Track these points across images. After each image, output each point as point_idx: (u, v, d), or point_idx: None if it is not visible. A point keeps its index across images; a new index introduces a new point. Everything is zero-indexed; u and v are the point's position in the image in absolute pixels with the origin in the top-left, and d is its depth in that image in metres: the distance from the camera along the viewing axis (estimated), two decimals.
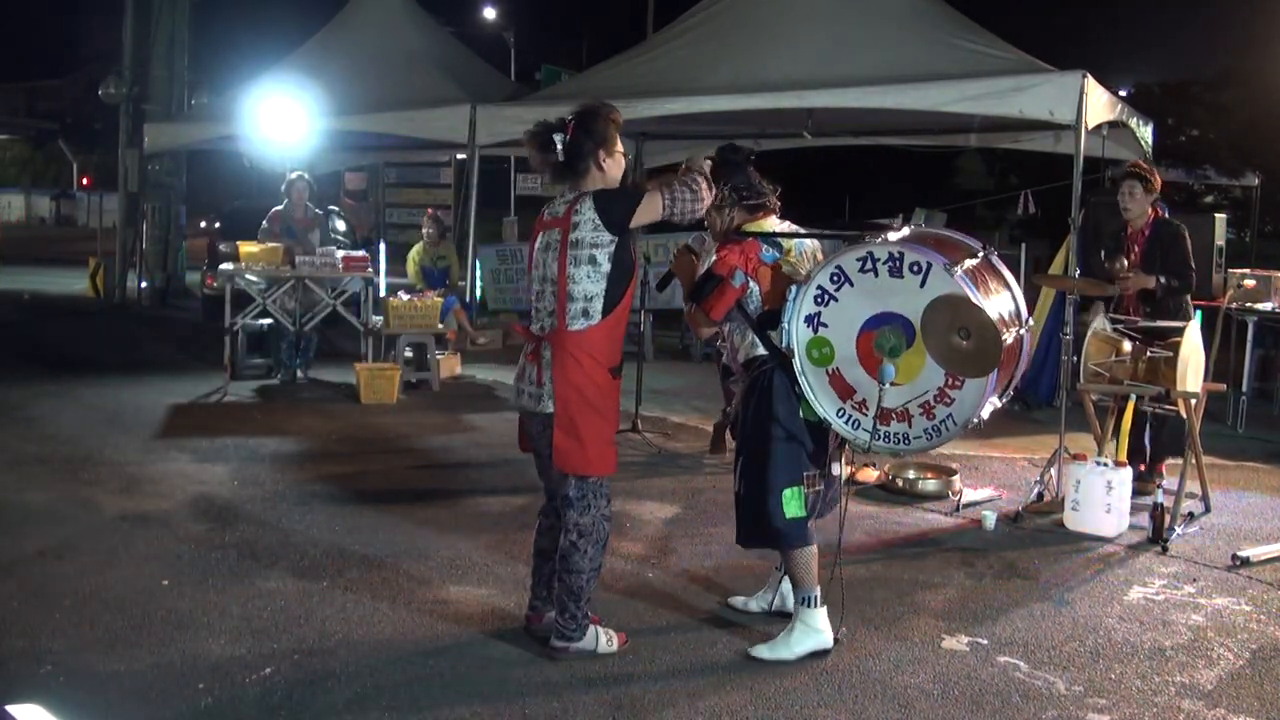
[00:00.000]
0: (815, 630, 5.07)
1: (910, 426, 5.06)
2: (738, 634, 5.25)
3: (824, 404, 5.08)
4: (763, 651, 5.05)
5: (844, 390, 5.06)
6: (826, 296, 5.03)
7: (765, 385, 5.07)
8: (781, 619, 5.28)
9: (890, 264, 4.93)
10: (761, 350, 5.11)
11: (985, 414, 4.98)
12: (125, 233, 20.02)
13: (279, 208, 11.86)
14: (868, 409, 5.01)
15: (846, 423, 5.09)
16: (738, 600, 5.65)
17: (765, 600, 5.58)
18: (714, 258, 5.14)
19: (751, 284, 5.08)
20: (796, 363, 5.04)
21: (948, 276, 4.86)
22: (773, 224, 5.27)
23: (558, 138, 4.81)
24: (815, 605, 5.07)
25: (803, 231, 5.34)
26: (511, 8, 38.48)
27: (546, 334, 4.79)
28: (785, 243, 5.21)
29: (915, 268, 4.91)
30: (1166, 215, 7.93)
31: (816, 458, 5.17)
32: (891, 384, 4.90)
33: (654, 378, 11.05)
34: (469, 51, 16.48)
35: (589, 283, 4.72)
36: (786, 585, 5.35)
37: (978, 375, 4.90)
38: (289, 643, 5.00)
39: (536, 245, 4.92)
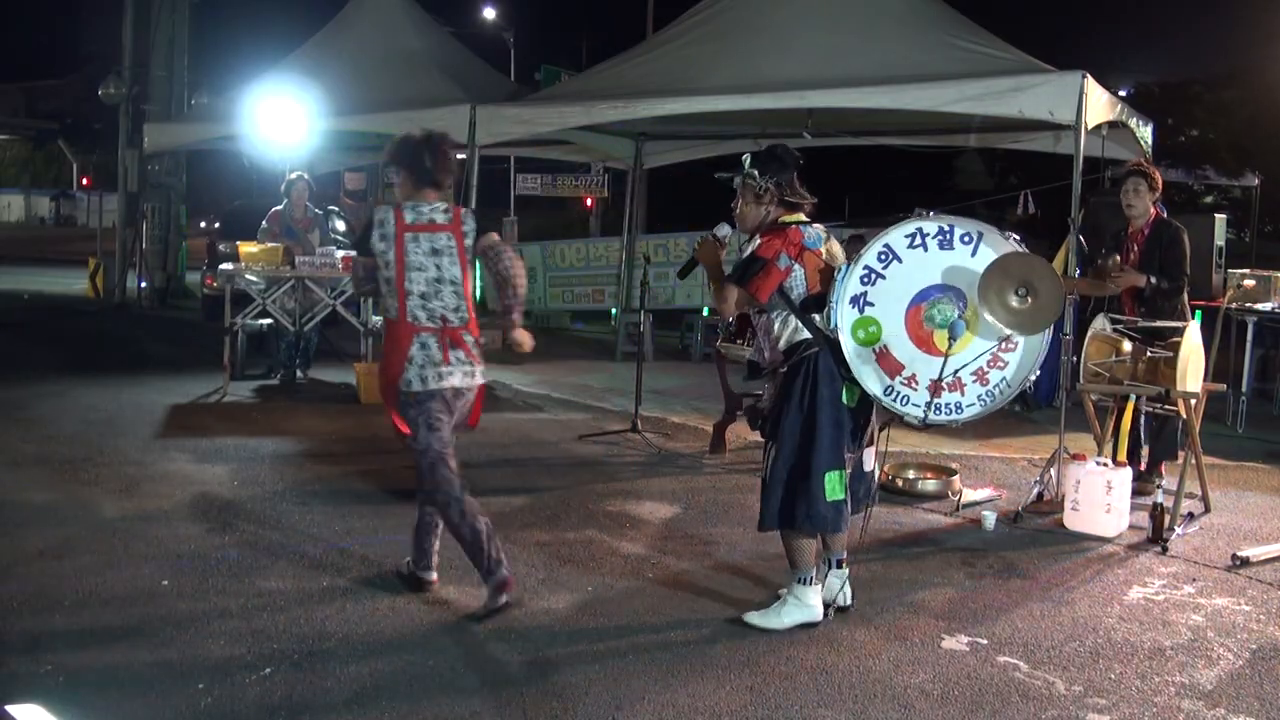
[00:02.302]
0: (807, 605, 5.28)
1: (963, 395, 5.19)
2: (738, 634, 5.25)
3: (871, 384, 5.17)
4: (754, 619, 5.29)
5: (892, 368, 5.16)
6: (874, 275, 5.16)
7: (811, 369, 5.17)
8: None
9: (940, 237, 5.12)
10: (805, 335, 5.21)
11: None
12: (125, 233, 20.04)
13: (278, 208, 11.86)
14: (917, 384, 5.14)
15: (896, 400, 5.19)
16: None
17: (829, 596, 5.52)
18: (758, 242, 5.25)
19: (796, 267, 5.19)
20: (844, 344, 5.14)
21: (1000, 241, 5.07)
22: (800, 219, 5.37)
23: (428, 154, 5.42)
24: (810, 583, 5.30)
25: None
26: (511, 8, 38.53)
27: (462, 326, 5.52)
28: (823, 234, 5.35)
29: (966, 238, 5.11)
30: (1165, 215, 7.93)
31: (851, 442, 5.33)
32: (951, 352, 5.04)
33: (654, 378, 11.06)
34: (469, 52, 16.47)
35: (471, 283, 5.56)
36: (834, 578, 5.49)
37: (1038, 330, 5.10)
38: (288, 642, 5.00)
39: (420, 248, 5.38)
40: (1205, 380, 7.55)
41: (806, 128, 12.54)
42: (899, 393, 5.19)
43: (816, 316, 5.21)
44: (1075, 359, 7.67)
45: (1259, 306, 10.50)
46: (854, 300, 5.14)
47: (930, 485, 7.84)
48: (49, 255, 31.75)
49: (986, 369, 5.15)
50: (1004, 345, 5.14)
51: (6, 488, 7.36)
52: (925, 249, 5.15)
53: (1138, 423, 7.89)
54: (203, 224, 26.34)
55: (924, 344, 5.12)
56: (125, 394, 10.69)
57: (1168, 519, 6.84)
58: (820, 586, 5.37)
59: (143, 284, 19.62)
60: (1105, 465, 7.06)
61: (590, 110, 11.75)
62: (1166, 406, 7.40)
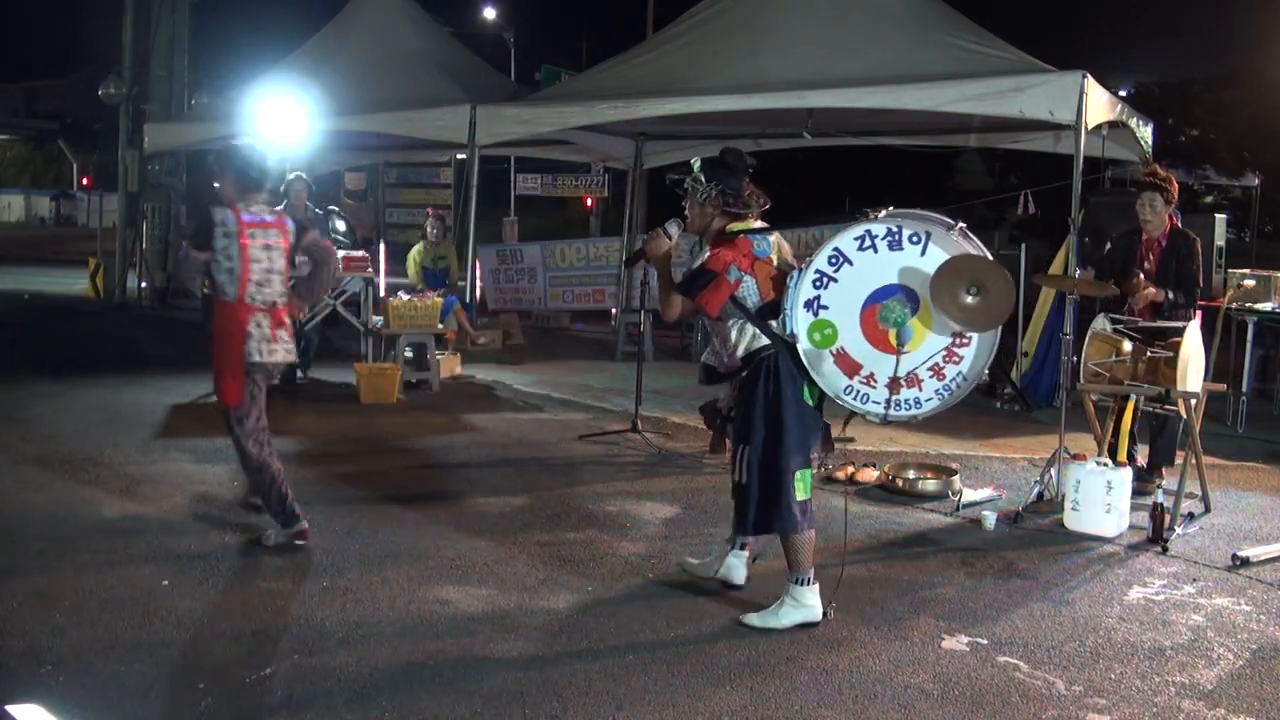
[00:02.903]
0: (806, 605, 5.32)
1: (921, 390, 5.34)
2: (738, 634, 5.25)
3: (831, 384, 5.29)
4: (753, 620, 5.32)
5: (850, 367, 5.29)
6: (825, 279, 5.27)
7: (772, 370, 5.26)
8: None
9: (890, 238, 5.23)
10: (763, 341, 5.28)
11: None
12: (125, 233, 20.02)
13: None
14: (876, 382, 5.28)
15: (855, 399, 5.33)
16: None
17: (712, 569, 5.83)
18: (707, 254, 5.30)
19: (747, 278, 5.26)
20: (800, 347, 5.24)
21: (950, 240, 5.22)
22: (750, 226, 5.44)
23: (253, 162, 6.48)
24: (808, 584, 5.35)
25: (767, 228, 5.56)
26: (511, 8, 38.53)
27: (284, 308, 6.42)
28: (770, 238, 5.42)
29: (914, 238, 5.23)
30: (1180, 225, 7.92)
31: (815, 441, 5.45)
32: (904, 351, 5.17)
33: (654, 378, 11.05)
34: (469, 52, 16.50)
35: (292, 271, 6.60)
36: (733, 558, 5.73)
37: (991, 327, 5.24)
38: (289, 642, 5.00)
39: (256, 243, 6.30)
40: (1205, 380, 7.55)
41: (807, 128, 12.56)
42: (858, 391, 5.32)
43: (774, 323, 5.30)
44: (1075, 359, 7.67)
45: (1259, 306, 10.50)
46: (808, 304, 5.25)
47: (930, 485, 7.84)
48: (49, 255, 31.70)
49: (942, 364, 5.31)
50: (958, 341, 5.28)
51: (6, 488, 7.36)
52: (875, 250, 5.26)
53: (1138, 422, 7.88)
54: None
55: (880, 343, 5.25)
56: (125, 394, 10.69)
57: (1168, 519, 6.84)
58: (817, 585, 5.39)
59: (143, 284, 19.59)
60: (1105, 465, 7.06)
61: (590, 110, 11.77)
62: (1167, 406, 7.39)
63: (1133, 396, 7.47)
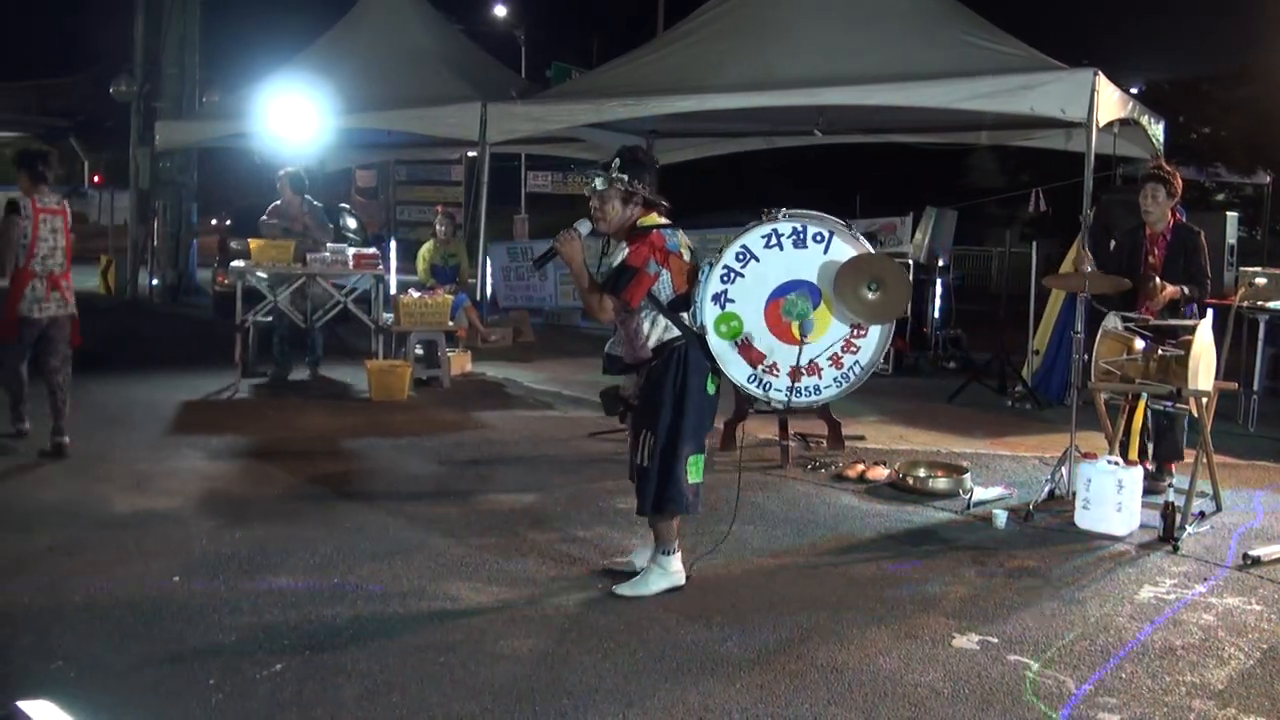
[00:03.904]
0: (670, 572, 5.70)
1: (820, 378, 5.95)
2: (749, 631, 5.25)
3: (735, 373, 5.77)
4: (624, 590, 5.66)
5: (755, 358, 5.80)
6: (733, 274, 5.76)
7: (681, 359, 5.50)
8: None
9: (795, 237, 5.78)
10: (674, 332, 5.51)
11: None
12: (136, 230, 20.06)
13: (277, 202, 11.92)
14: (778, 371, 5.82)
15: (759, 386, 5.89)
16: (620, 560, 6.10)
17: (644, 558, 5.95)
18: (626, 251, 5.49)
19: (663, 272, 5.47)
20: (709, 338, 5.55)
21: (849, 239, 5.80)
22: (658, 221, 5.62)
23: (42, 161, 8.16)
24: (673, 553, 5.71)
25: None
26: (521, 6, 38.49)
27: (61, 275, 8.23)
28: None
29: (818, 237, 5.77)
30: (1184, 219, 7.92)
31: (710, 428, 5.81)
32: (806, 341, 5.71)
33: None
34: (479, 49, 16.51)
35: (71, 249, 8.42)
36: (645, 546, 5.92)
37: (889, 319, 5.84)
38: (299, 638, 5.01)
39: (46, 227, 8.11)
40: (1217, 379, 7.53)
41: (817, 125, 12.57)
42: (762, 380, 5.85)
43: (684, 315, 5.52)
44: (1086, 357, 7.66)
45: (1270, 305, 10.47)
46: (715, 298, 5.69)
47: (941, 483, 7.82)
48: None
49: (841, 354, 5.91)
50: (856, 333, 5.83)
51: (18, 483, 7.39)
52: (781, 248, 5.76)
53: (1149, 421, 7.87)
54: (214, 221, 26.37)
55: (784, 335, 5.76)
56: (136, 391, 10.72)
57: (1179, 518, 6.82)
58: (679, 554, 5.73)
59: (154, 281, 19.64)
60: (1116, 464, 7.04)
61: (601, 108, 11.78)
62: (1178, 405, 7.37)
63: (1144, 395, 7.45)
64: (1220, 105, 27.53)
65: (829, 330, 5.74)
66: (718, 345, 5.57)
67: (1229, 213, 12.88)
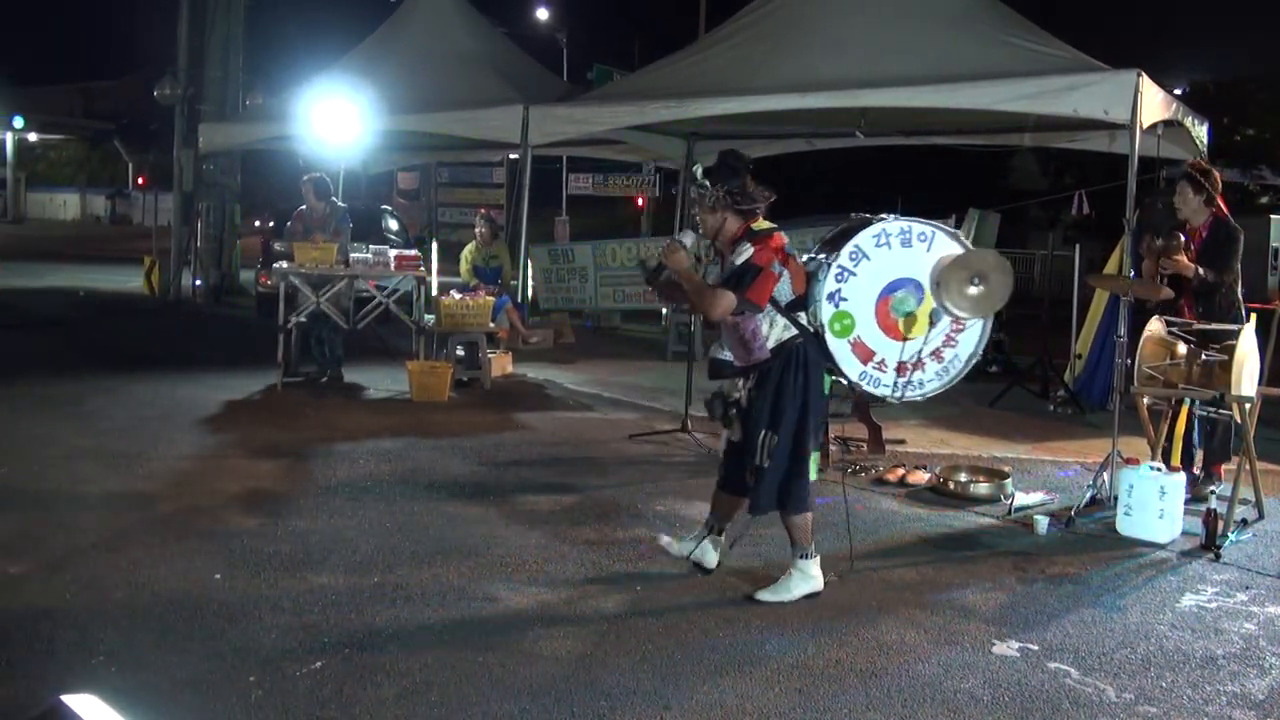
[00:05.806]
0: (811, 576, 5.75)
1: (924, 372, 6.02)
2: (787, 634, 5.25)
3: (848, 371, 5.85)
4: (765, 595, 5.69)
5: (865, 355, 5.89)
6: (846, 274, 5.82)
7: (801, 359, 5.61)
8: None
9: (902, 236, 5.88)
10: (792, 332, 5.62)
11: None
12: (180, 231, 20.25)
13: (302, 207, 12.00)
14: (886, 367, 5.93)
15: (869, 384, 5.94)
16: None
17: (687, 548, 6.09)
18: (750, 251, 5.56)
19: (785, 272, 5.58)
20: (827, 337, 5.73)
21: (948, 239, 5.92)
22: (762, 224, 5.70)
23: None
24: (811, 557, 5.76)
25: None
26: (564, 9, 38.60)
27: None
28: None
29: (922, 237, 5.91)
30: (1223, 216, 7.86)
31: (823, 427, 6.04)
32: (908, 338, 5.89)
33: (704, 378, 11.04)
34: (521, 52, 16.54)
35: None
36: (709, 543, 6.07)
37: (989, 312, 5.95)
38: (339, 637, 5.03)
39: None
40: (1260, 384, 7.46)
41: (859, 127, 12.50)
42: (871, 376, 5.91)
43: (801, 315, 5.65)
44: (1129, 362, 7.60)
45: None
46: (830, 297, 5.75)
47: (982, 488, 7.79)
48: (105, 253, 32.11)
49: (942, 348, 5.99)
50: (954, 328, 5.96)
51: (61, 481, 7.45)
52: (890, 247, 5.86)
53: (1192, 427, 7.81)
54: (257, 223, 26.58)
55: (891, 331, 5.89)
56: (179, 389, 10.81)
57: (1221, 525, 6.76)
58: (818, 558, 5.80)
59: (197, 282, 19.81)
60: (1159, 470, 6.99)
61: (643, 110, 11.77)
62: (1221, 411, 7.31)
63: (1187, 401, 7.39)
64: (1264, 107, 27.29)
65: (934, 326, 5.91)
66: (834, 343, 5.75)
67: (1273, 216, 12.75)
